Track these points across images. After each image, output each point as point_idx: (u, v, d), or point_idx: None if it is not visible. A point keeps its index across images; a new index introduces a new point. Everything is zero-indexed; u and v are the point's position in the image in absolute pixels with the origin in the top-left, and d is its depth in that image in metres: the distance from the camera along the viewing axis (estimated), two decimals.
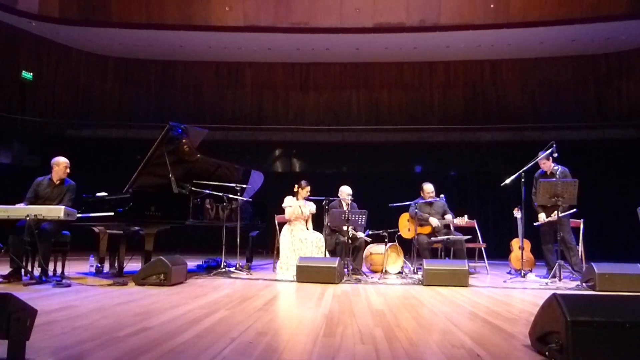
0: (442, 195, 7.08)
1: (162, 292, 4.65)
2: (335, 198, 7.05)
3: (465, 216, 6.94)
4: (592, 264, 5.46)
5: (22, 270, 5.23)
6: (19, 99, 12.66)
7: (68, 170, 5.72)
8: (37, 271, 5.24)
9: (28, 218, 4.91)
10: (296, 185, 6.99)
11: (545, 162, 6.49)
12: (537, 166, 6.50)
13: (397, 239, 7.13)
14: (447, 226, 7.20)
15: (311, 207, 7.01)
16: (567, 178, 6.30)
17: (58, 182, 5.67)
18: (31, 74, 12.81)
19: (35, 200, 5.51)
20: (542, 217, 6.51)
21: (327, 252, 6.62)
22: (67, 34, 12.77)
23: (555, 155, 6.18)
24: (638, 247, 10.32)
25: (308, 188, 6.98)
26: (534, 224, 6.63)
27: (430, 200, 7.07)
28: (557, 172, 6.38)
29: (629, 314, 2.29)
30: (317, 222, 7.10)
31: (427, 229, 6.98)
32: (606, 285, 5.20)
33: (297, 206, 6.85)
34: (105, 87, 14.17)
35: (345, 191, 7.06)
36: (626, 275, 5.33)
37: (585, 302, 2.45)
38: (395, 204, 7.03)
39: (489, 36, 12.25)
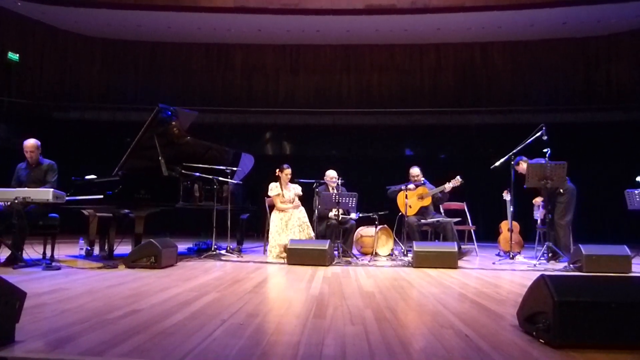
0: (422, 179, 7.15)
1: (152, 275, 4.65)
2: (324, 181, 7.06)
3: (458, 177, 6.89)
4: (580, 245, 5.53)
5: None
6: (4, 80, 12.46)
7: (39, 150, 5.66)
8: (26, 254, 5.22)
9: (16, 201, 4.88)
10: (277, 170, 6.96)
11: (517, 168, 6.56)
12: (526, 149, 6.52)
13: (389, 221, 7.16)
14: (437, 209, 7.24)
15: (296, 190, 6.99)
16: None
17: (34, 164, 5.65)
18: (17, 55, 12.60)
19: (18, 186, 5.47)
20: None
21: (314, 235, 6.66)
22: (53, 14, 12.55)
23: (545, 138, 6.20)
24: (624, 228, 10.45)
25: (288, 171, 6.93)
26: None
27: (417, 183, 7.11)
28: (547, 155, 6.40)
29: (615, 295, 2.33)
30: (307, 206, 7.10)
31: (415, 209, 7.01)
32: (593, 266, 5.27)
33: (280, 192, 6.83)
34: (93, 69, 13.99)
35: (330, 175, 7.07)
36: (613, 256, 5.41)
37: (573, 283, 2.49)
38: (390, 187, 7.06)
39: (480, 18, 12.20)
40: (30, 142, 5.65)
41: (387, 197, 7.20)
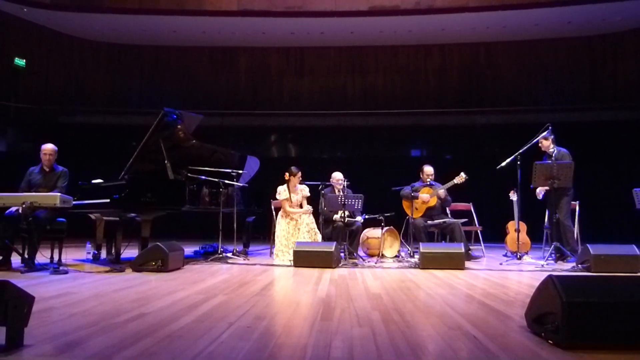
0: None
1: (159, 278, 4.66)
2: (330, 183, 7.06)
3: (462, 173, 6.87)
4: (588, 245, 5.48)
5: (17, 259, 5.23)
6: (12, 85, 12.53)
7: (56, 155, 5.77)
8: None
9: (24, 205, 4.90)
10: (287, 174, 6.95)
11: (543, 142, 6.48)
12: (532, 149, 6.49)
13: (396, 222, 7.14)
14: (443, 210, 7.21)
15: (304, 191, 6.99)
16: (563, 160, 6.28)
17: (49, 169, 5.73)
18: (24, 60, 12.66)
19: (28, 190, 5.52)
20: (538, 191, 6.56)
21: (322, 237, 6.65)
22: (58, 19, 12.60)
23: (551, 137, 6.18)
24: (632, 228, 10.36)
25: (299, 174, 6.95)
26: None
27: (429, 183, 7.08)
28: (553, 154, 6.36)
29: (624, 295, 2.31)
30: (313, 208, 7.09)
31: (421, 211, 6.98)
32: (601, 266, 5.23)
33: (288, 197, 6.82)
34: (98, 73, 14.03)
35: (336, 177, 7.07)
36: (621, 256, 5.37)
37: (581, 283, 2.47)
38: (397, 188, 7.03)
39: (484, 18, 12.15)
40: (50, 146, 5.79)
41: (399, 196, 7.17)
